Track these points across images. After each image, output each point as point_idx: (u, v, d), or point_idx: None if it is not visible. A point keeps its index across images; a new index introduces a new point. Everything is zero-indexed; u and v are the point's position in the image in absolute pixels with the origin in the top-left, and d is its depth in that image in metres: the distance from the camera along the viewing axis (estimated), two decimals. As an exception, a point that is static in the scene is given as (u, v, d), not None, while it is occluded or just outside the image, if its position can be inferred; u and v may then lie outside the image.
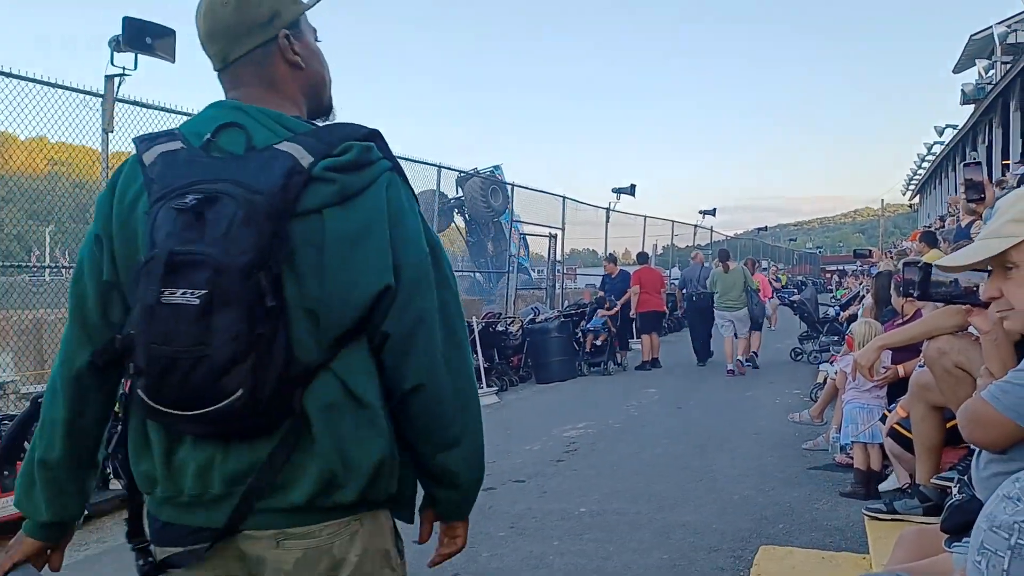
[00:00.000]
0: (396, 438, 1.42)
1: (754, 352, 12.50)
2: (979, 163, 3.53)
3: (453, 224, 17.68)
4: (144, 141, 1.43)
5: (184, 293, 1.25)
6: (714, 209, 27.58)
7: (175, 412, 1.30)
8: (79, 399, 1.49)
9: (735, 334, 11.86)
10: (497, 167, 18.89)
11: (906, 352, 4.32)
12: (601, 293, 13.58)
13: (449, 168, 13.94)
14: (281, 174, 1.31)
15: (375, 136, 1.44)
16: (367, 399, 1.37)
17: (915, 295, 2.12)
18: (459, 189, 17.19)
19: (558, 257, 18.02)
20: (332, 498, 1.36)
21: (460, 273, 18.28)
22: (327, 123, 1.57)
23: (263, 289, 1.27)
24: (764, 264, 27.96)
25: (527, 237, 18.49)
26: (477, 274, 17.50)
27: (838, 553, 4.05)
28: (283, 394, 1.31)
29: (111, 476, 5.71)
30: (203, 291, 1.25)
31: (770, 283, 16.56)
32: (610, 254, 16.03)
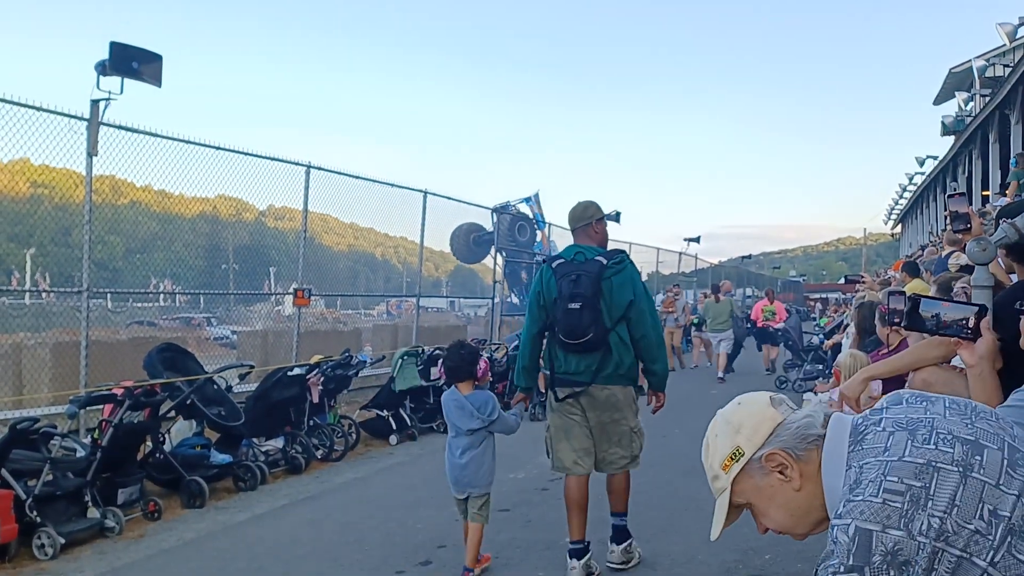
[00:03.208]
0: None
1: (772, 360, 16.07)
2: (963, 194, 3.55)
3: (490, 255, 18.09)
4: (550, 259, 4.76)
5: (574, 305, 4.43)
6: (699, 236, 27.87)
7: (570, 342, 4.46)
8: (533, 343, 4.76)
9: (725, 350, 15.35)
10: (528, 199, 19.38)
11: (892, 383, 4.32)
12: None
13: (436, 194, 13.97)
14: (599, 267, 4.48)
15: (623, 252, 4.79)
16: (627, 340, 4.52)
17: (902, 325, 2.12)
18: (494, 217, 17.65)
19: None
20: (618, 374, 4.52)
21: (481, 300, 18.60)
22: (613, 249, 4.80)
23: (596, 302, 4.42)
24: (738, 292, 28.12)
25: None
26: (513, 297, 18.17)
27: (824, 584, 4.02)
28: (602, 337, 4.43)
29: (89, 504, 5.64)
30: (580, 304, 4.41)
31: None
32: None
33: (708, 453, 1.65)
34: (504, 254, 17.59)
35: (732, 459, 1.59)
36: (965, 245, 3.92)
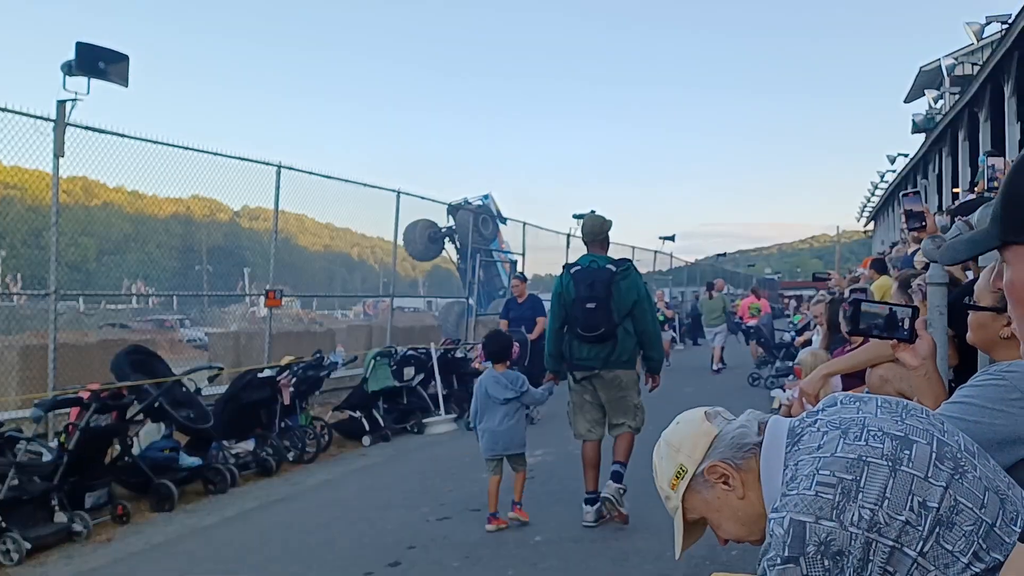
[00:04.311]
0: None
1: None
2: (917, 192, 3.62)
3: (444, 252, 17.92)
4: (570, 265, 5.85)
5: (590, 305, 5.52)
6: (673, 235, 27.98)
7: (586, 334, 5.54)
8: (556, 335, 5.73)
9: (720, 344, 16.57)
10: (485, 196, 19.23)
11: (853, 379, 4.37)
12: (504, 324, 11.44)
13: (409, 194, 13.93)
14: (610, 274, 5.59)
15: (629, 260, 5.90)
16: (631, 332, 5.61)
17: (846, 330, 2.15)
18: (450, 218, 17.42)
19: (519, 283, 18.19)
20: (621, 360, 5.61)
21: (448, 299, 18.44)
22: (620, 258, 5.85)
23: (608, 302, 5.52)
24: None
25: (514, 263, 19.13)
26: (471, 299, 17.80)
27: (789, 579, 4.05)
28: (611, 330, 5.51)
29: (56, 508, 5.58)
30: (595, 304, 5.51)
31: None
32: (520, 273, 15.42)
33: (657, 475, 1.72)
34: (471, 253, 17.35)
35: (678, 477, 1.65)
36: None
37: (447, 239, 17.76)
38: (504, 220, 19.02)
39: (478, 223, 17.78)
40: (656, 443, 1.75)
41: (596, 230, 5.84)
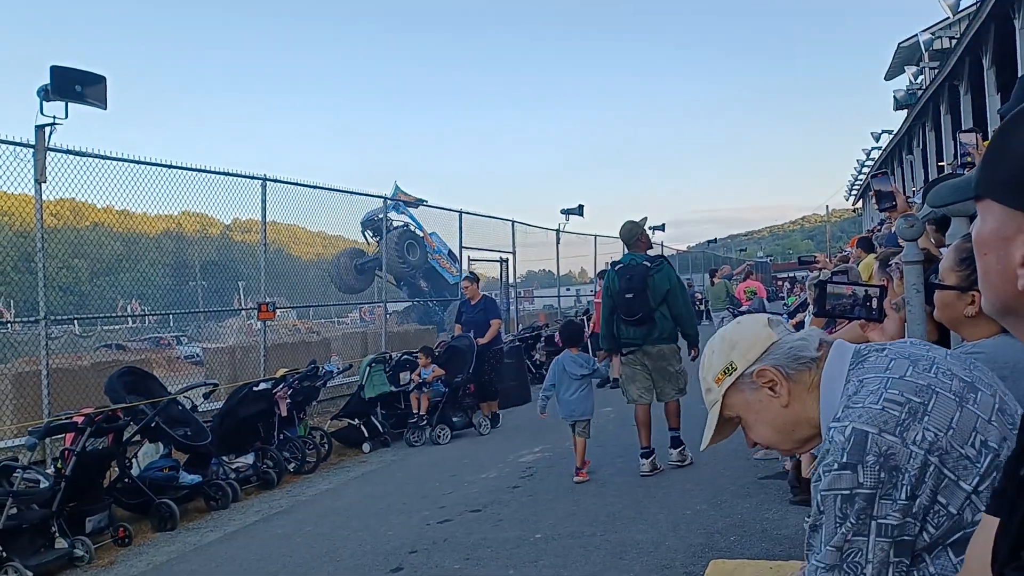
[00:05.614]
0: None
1: None
2: (885, 173, 3.67)
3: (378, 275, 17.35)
4: (615, 263, 7.14)
5: (630, 294, 6.66)
6: (663, 224, 27.99)
7: (627, 318, 6.69)
8: (608, 320, 6.86)
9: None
10: (394, 192, 18.43)
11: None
12: (458, 328, 10.82)
13: (393, 199, 13.88)
14: (645, 269, 6.75)
15: (663, 257, 7.27)
16: (667, 316, 6.71)
17: (813, 312, 2.18)
18: (366, 235, 16.77)
19: (511, 281, 18.13)
20: (662, 337, 6.71)
21: (412, 302, 18.26)
22: (656, 255, 7.20)
23: (644, 292, 6.66)
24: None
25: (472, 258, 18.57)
26: (429, 302, 17.44)
27: (787, 562, 4.05)
28: (648, 315, 6.64)
29: (56, 535, 5.59)
30: (633, 294, 6.66)
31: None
32: (470, 272, 14.40)
33: (704, 367, 1.72)
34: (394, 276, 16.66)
35: (725, 373, 1.66)
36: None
37: (376, 269, 16.74)
38: (414, 216, 17.96)
39: (403, 248, 16.80)
40: (709, 341, 1.75)
41: (628, 234, 7.08)
